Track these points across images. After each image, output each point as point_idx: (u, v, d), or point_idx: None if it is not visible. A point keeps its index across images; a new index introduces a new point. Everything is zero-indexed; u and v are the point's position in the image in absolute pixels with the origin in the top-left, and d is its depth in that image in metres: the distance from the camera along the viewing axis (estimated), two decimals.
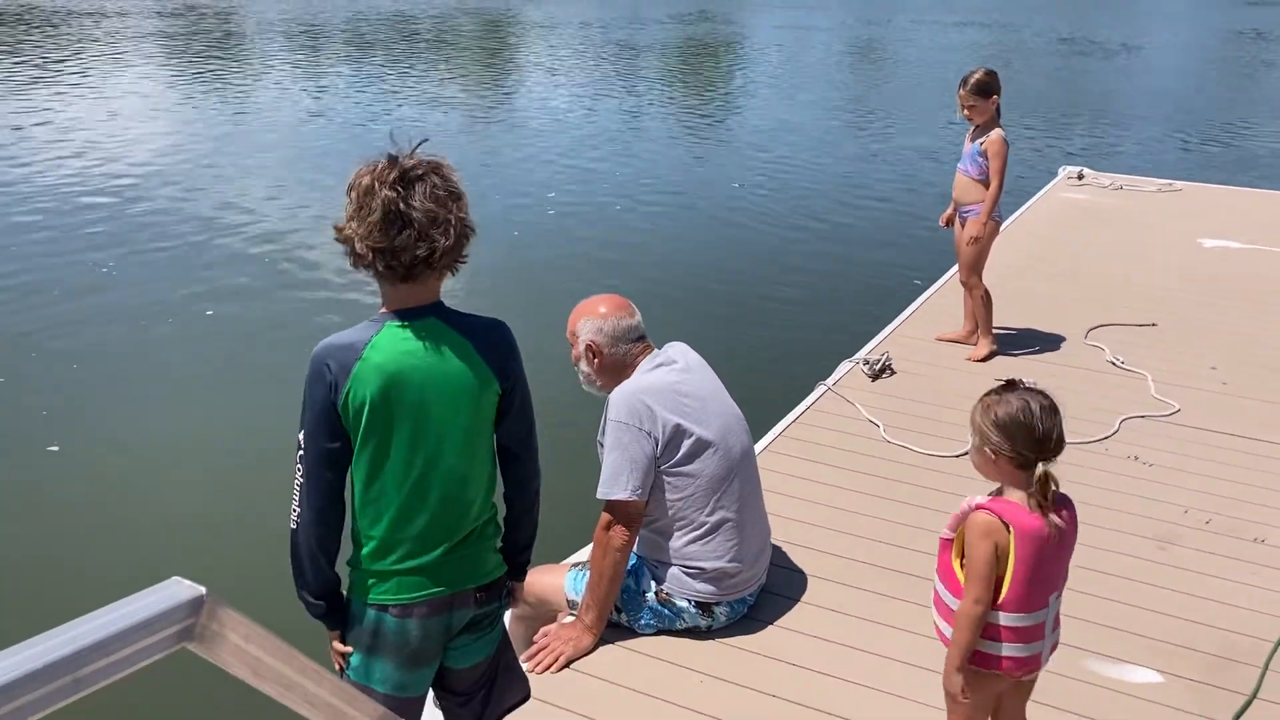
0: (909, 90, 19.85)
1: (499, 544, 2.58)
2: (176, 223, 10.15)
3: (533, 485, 2.62)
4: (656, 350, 3.56)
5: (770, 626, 3.63)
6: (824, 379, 5.66)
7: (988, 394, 2.55)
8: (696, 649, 3.50)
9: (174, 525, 5.36)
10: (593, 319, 3.48)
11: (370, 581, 2.41)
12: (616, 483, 3.34)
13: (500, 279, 8.95)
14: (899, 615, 3.67)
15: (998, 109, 5.65)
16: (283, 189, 11.32)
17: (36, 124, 13.97)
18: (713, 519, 3.45)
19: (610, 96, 17.95)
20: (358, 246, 2.26)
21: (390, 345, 2.28)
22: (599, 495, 3.38)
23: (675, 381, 3.45)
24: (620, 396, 3.39)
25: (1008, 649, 2.55)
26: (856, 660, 3.46)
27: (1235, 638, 3.64)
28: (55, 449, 5.96)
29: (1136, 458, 4.87)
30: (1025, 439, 2.45)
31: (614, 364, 3.49)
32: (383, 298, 2.37)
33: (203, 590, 1.26)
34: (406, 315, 2.32)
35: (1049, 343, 6.22)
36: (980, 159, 5.64)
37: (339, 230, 2.30)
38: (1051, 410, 2.47)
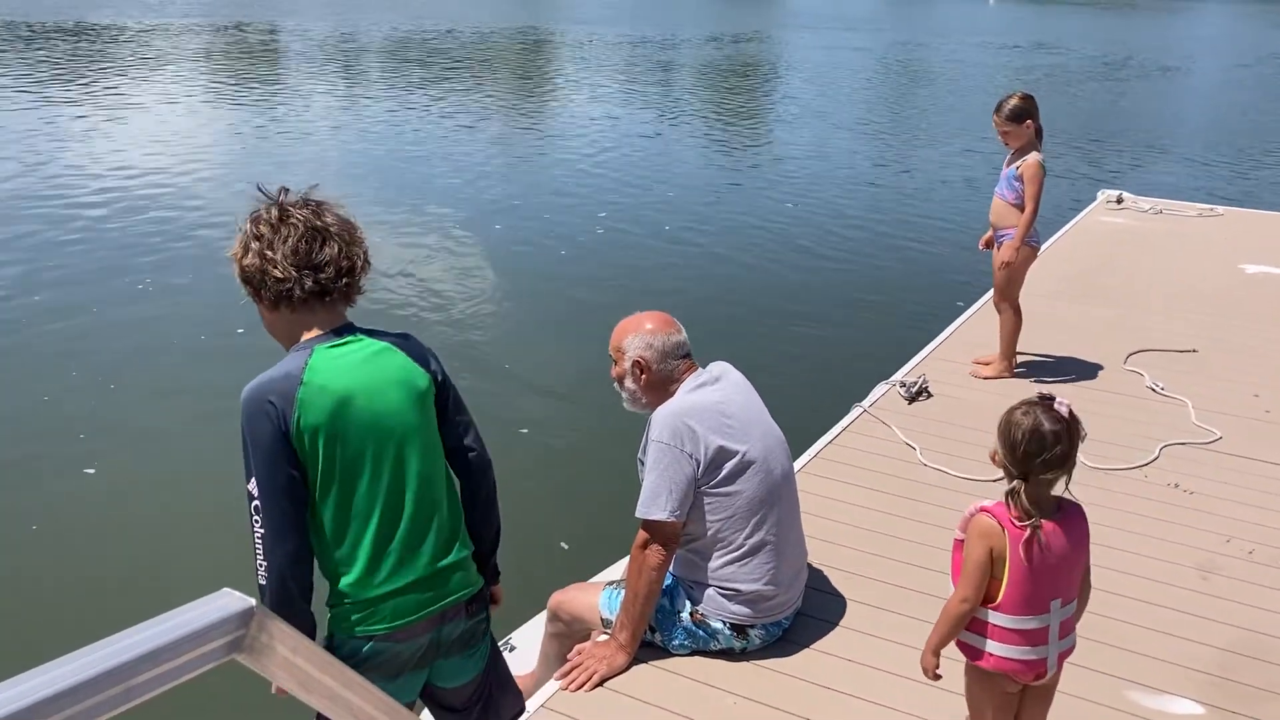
0: (951, 112, 19.81)
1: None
2: (211, 239, 10.25)
3: (489, 477, 2.63)
4: (700, 369, 3.55)
5: (805, 649, 3.61)
6: (860, 400, 5.64)
7: (1020, 402, 2.62)
8: (730, 670, 3.49)
9: (215, 543, 5.37)
10: (640, 335, 3.48)
11: (359, 614, 2.36)
12: (655, 503, 3.34)
13: (547, 297, 8.99)
14: None
15: (1037, 132, 5.62)
16: None
17: (79, 140, 14.18)
18: (751, 541, 3.44)
19: (658, 116, 18.02)
20: (277, 272, 2.25)
21: (327, 365, 2.27)
22: (638, 514, 3.37)
23: (719, 401, 3.44)
24: (663, 417, 3.39)
25: (1009, 650, 2.61)
26: (891, 684, 3.43)
27: (1278, 670, 3.58)
28: (91, 471, 6.00)
29: (1177, 485, 4.82)
30: (1011, 453, 2.54)
31: (660, 380, 3.48)
32: (289, 337, 2.36)
33: (252, 602, 1.28)
34: (328, 338, 2.32)
35: (1088, 368, 6.17)
36: (1016, 183, 5.61)
37: (245, 270, 2.29)
38: (1052, 435, 2.49)
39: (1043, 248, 5.98)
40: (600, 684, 3.40)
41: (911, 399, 5.66)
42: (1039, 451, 2.49)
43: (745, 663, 3.52)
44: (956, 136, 17.08)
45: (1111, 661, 3.57)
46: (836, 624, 3.76)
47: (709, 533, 3.43)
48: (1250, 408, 5.70)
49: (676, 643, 3.55)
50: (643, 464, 3.45)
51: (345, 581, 2.36)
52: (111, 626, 1.20)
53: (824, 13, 39.98)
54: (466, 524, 2.58)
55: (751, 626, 3.53)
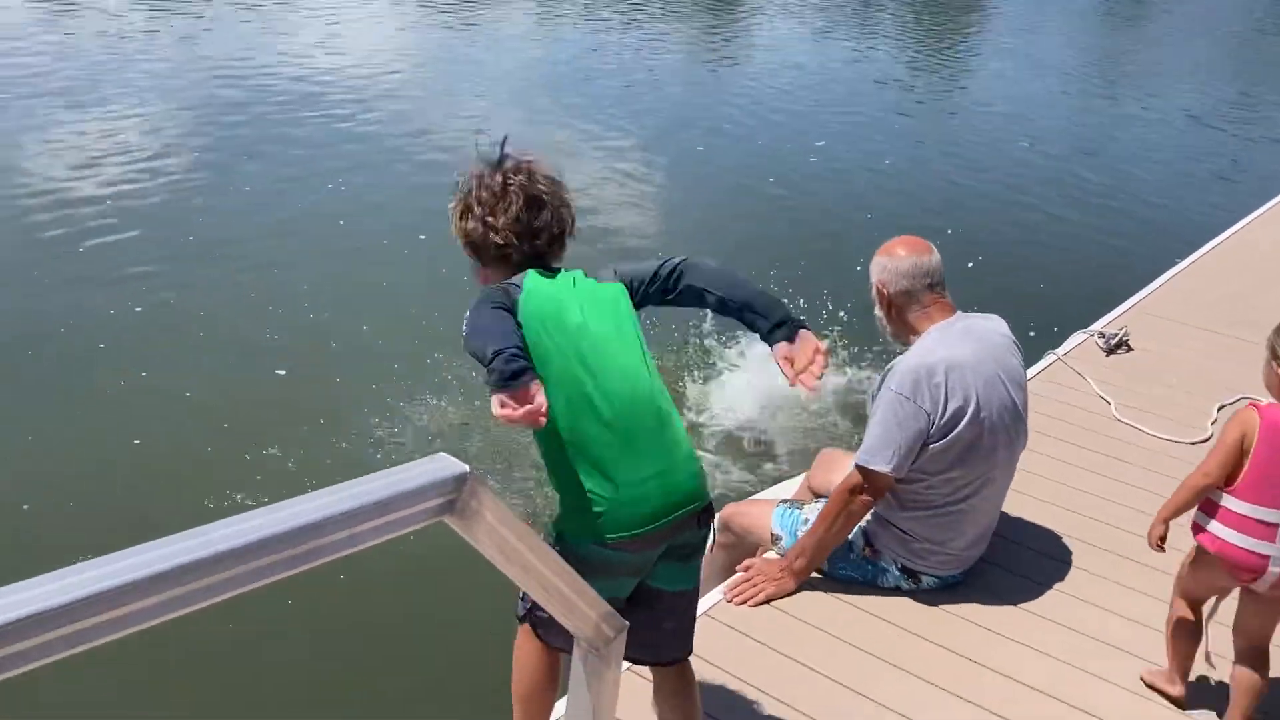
0: (1175, 50, 18.55)
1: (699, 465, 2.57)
2: (402, 145, 10.25)
3: (726, 268, 2.64)
4: (960, 313, 3.36)
5: (980, 592, 3.54)
6: (1054, 348, 5.43)
7: None
8: (898, 605, 3.46)
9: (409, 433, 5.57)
10: (883, 257, 3.33)
11: (596, 520, 2.37)
12: (881, 454, 3.23)
13: (752, 224, 8.76)
14: (1110, 597, 3.54)
15: None
16: (487, 124, 10.68)
17: (283, 45, 14.60)
18: (951, 505, 3.35)
19: (868, 49, 17.41)
20: (497, 239, 2.46)
21: (540, 285, 2.44)
22: (858, 460, 3.28)
23: (973, 361, 3.25)
24: (907, 367, 3.23)
25: (1234, 536, 2.73)
26: (1063, 637, 3.35)
27: None
28: (282, 373, 6.14)
29: None
30: None
31: (901, 304, 3.30)
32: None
33: (466, 468, 1.33)
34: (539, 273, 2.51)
35: None
36: None
37: (468, 234, 2.51)
38: None
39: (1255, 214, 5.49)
40: (766, 602, 3.43)
41: (1110, 351, 5.42)
42: None
43: (916, 601, 3.48)
44: (1182, 78, 16.02)
45: None
46: (1013, 572, 3.67)
47: (913, 482, 3.32)
48: None
49: (844, 573, 3.52)
50: (873, 400, 3.35)
51: (582, 487, 2.38)
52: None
53: None
54: (736, 313, 2.59)
55: (924, 573, 3.48)
